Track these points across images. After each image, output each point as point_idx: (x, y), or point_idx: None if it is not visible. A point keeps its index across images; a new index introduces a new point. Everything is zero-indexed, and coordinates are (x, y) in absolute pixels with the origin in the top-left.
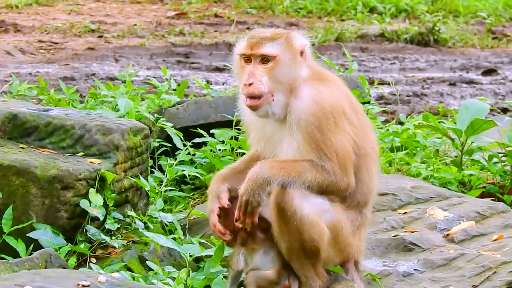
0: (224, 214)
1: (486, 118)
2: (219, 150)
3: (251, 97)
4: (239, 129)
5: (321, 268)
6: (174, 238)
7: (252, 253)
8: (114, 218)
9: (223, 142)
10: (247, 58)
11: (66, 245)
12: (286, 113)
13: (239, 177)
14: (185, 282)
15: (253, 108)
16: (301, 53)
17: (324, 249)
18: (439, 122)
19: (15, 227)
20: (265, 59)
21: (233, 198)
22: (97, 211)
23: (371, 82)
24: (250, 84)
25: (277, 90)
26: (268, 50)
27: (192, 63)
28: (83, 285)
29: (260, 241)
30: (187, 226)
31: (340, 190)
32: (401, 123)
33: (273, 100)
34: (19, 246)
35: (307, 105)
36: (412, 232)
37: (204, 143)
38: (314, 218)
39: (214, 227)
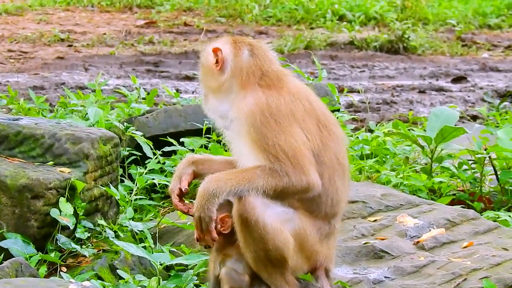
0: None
1: (455, 125)
2: None
3: None
4: (209, 138)
5: (290, 276)
6: (144, 247)
7: (225, 260)
8: (84, 227)
9: (193, 150)
10: None
11: (37, 254)
12: (232, 119)
13: (209, 164)
14: None
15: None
16: (217, 61)
17: (291, 257)
18: (409, 130)
19: None
20: None
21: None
22: (67, 220)
23: (341, 90)
24: None
25: (209, 94)
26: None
27: (162, 71)
28: None
29: (233, 248)
30: (157, 235)
31: (301, 191)
32: (371, 131)
33: (208, 103)
34: None
35: (247, 108)
36: (382, 239)
37: (174, 152)
38: (277, 226)
39: (176, 207)
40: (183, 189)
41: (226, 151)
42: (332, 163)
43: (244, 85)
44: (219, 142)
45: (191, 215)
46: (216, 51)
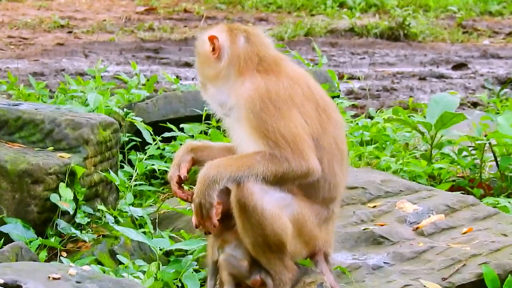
0: None
1: (456, 112)
2: None
3: None
4: (208, 123)
5: (289, 261)
6: (144, 232)
7: (224, 246)
8: (84, 212)
9: (192, 136)
10: None
11: (37, 239)
12: (231, 106)
13: (208, 151)
14: (155, 276)
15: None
16: (213, 49)
17: (289, 242)
18: (409, 116)
19: None
20: None
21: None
22: (67, 205)
23: (341, 77)
24: None
25: (206, 83)
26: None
27: (162, 58)
28: (53, 278)
29: (232, 233)
30: (157, 220)
31: (300, 176)
32: (371, 117)
33: (207, 92)
34: None
35: (246, 94)
36: (382, 225)
37: (174, 138)
38: (275, 211)
39: (175, 194)
40: (182, 177)
41: (225, 137)
42: (331, 148)
43: (242, 71)
44: (218, 128)
45: (190, 202)
46: (212, 39)
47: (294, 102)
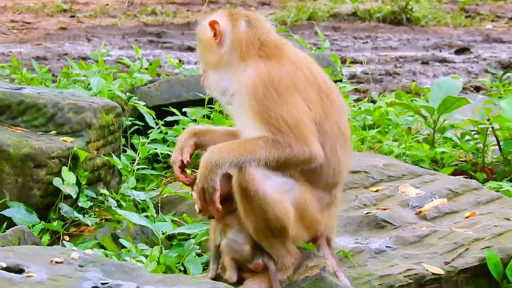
0: None
1: (458, 96)
2: None
3: None
4: (211, 108)
5: (292, 245)
6: (146, 216)
7: (226, 230)
8: (87, 196)
9: (195, 120)
10: None
11: (40, 223)
12: (233, 93)
13: (210, 136)
14: (157, 260)
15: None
16: (215, 34)
17: (291, 226)
18: (411, 100)
19: None
20: None
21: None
22: (70, 189)
23: (343, 61)
24: None
25: (208, 70)
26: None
27: (164, 42)
28: (56, 261)
29: (234, 217)
30: (159, 204)
31: (303, 162)
32: (373, 102)
33: (209, 79)
34: None
35: (248, 80)
36: (384, 209)
37: (176, 122)
38: (277, 196)
39: (178, 178)
40: (184, 161)
41: (228, 121)
42: (333, 133)
43: (244, 56)
44: (221, 112)
45: (192, 187)
46: (213, 24)
47: (297, 87)
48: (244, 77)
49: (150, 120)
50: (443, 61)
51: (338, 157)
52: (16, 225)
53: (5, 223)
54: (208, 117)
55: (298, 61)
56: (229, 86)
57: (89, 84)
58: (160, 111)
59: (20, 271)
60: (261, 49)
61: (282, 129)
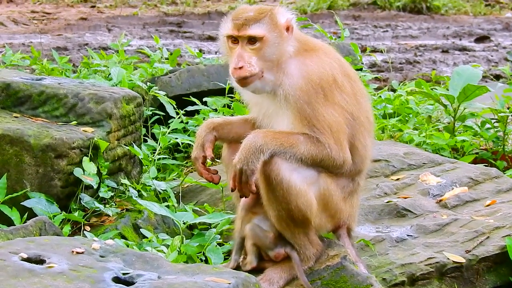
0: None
1: (478, 84)
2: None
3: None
4: (232, 97)
5: (314, 235)
6: (167, 206)
7: (251, 218)
8: (107, 186)
9: (215, 110)
10: (234, 39)
11: (60, 213)
12: (276, 89)
13: (229, 128)
14: (179, 249)
15: (242, 84)
16: (287, 28)
17: (314, 216)
18: (431, 89)
19: (9, 196)
20: (252, 39)
21: None
22: (91, 179)
23: (363, 50)
24: (240, 68)
25: (266, 68)
26: (255, 31)
27: (185, 32)
28: (77, 252)
29: (261, 206)
30: (180, 194)
31: (335, 166)
32: (394, 90)
33: (262, 77)
34: (14, 215)
35: (295, 80)
36: (405, 198)
37: (197, 111)
38: (301, 187)
39: (201, 175)
40: (208, 158)
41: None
42: (363, 120)
43: (295, 53)
44: (241, 101)
45: (215, 183)
46: (290, 20)
47: (336, 82)
48: (290, 78)
49: (170, 109)
50: (463, 49)
51: (366, 144)
52: (37, 215)
53: (26, 214)
54: (229, 106)
55: (329, 51)
56: (275, 83)
57: (109, 74)
58: (181, 101)
59: (41, 261)
60: (304, 45)
61: (324, 131)
